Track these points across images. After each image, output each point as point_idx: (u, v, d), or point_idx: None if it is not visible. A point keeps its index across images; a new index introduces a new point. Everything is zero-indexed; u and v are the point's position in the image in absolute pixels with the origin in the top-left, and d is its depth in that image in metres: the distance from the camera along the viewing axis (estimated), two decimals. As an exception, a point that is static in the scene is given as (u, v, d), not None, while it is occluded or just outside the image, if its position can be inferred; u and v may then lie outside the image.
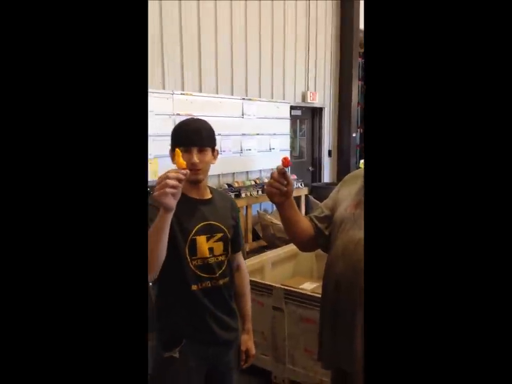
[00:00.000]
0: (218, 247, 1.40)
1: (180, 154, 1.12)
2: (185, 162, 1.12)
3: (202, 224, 1.36)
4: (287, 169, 1.27)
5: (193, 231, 1.35)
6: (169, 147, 1.37)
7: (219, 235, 1.40)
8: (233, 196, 4.85)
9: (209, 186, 1.47)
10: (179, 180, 1.06)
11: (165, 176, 1.06)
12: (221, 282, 1.40)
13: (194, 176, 1.33)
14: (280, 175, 1.26)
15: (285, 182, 1.26)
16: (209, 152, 1.36)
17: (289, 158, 1.30)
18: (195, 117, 1.44)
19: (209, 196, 1.43)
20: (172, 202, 1.07)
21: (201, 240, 1.36)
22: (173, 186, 1.05)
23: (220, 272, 1.40)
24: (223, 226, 1.41)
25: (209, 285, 1.37)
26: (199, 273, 1.35)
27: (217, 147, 1.42)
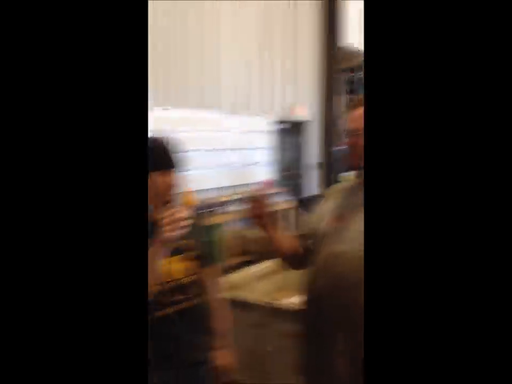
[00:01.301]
0: (191, 266, 1.39)
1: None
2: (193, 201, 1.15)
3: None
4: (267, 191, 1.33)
5: None
6: None
7: (191, 254, 1.39)
8: (218, 211, 4.82)
9: None
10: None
11: (176, 218, 1.11)
12: (195, 301, 1.39)
13: (171, 198, 1.34)
14: (259, 198, 1.29)
15: (265, 205, 1.30)
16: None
17: (271, 179, 1.34)
18: (158, 136, 1.41)
19: None
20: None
21: (173, 261, 1.34)
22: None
23: (193, 291, 1.39)
24: (191, 244, 1.40)
25: (183, 306, 1.36)
26: (172, 295, 1.34)
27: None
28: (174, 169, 1.33)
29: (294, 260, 1.47)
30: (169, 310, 1.34)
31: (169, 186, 1.32)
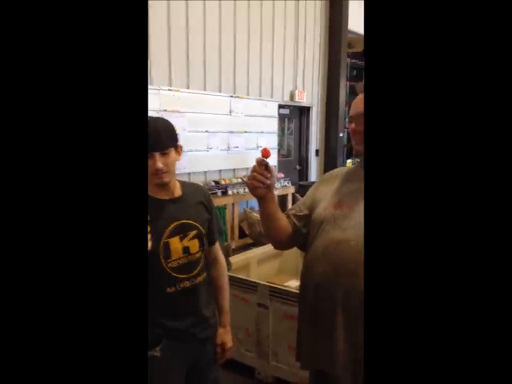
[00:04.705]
0: (194, 245, 1.38)
1: None
2: None
3: (173, 225, 1.34)
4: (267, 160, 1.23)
5: (165, 234, 1.32)
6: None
7: (193, 233, 1.38)
8: (219, 194, 4.86)
9: (180, 181, 1.43)
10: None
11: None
12: (199, 279, 1.39)
13: (160, 180, 1.30)
14: (261, 167, 1.22)
15: (268, 175, 1.22)
16: (172, 152, 1.31)
17: (269, 149, 1.24)
18: (152, 116, 1.36)
19: (179, 193, 1.39)
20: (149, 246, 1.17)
21: (174, 241, 1.34)
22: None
23: (197, 269, 1.39)
24: (196, 223, 1.39)
25: (187, 284, 1.36)
26: (176, 275, 1.34)
27: (180, 143, 1.36)
28: (155, 152, 1.27)
29: (284, 240, 1.41)
30: (171, 290, 1.34)
31: (153, 169, 1.27)
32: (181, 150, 1.37)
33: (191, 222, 1.37)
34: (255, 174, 1.23)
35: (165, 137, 1.29)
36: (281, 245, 1.48)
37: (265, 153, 1.22)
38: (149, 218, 1.12)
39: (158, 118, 1.36)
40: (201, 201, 1.44)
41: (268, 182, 1.23)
